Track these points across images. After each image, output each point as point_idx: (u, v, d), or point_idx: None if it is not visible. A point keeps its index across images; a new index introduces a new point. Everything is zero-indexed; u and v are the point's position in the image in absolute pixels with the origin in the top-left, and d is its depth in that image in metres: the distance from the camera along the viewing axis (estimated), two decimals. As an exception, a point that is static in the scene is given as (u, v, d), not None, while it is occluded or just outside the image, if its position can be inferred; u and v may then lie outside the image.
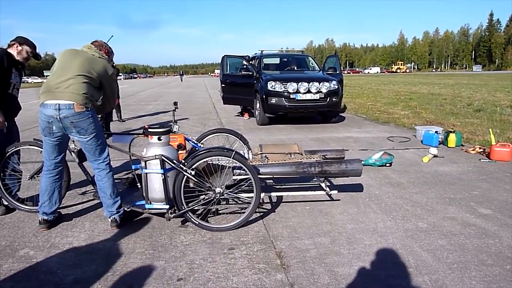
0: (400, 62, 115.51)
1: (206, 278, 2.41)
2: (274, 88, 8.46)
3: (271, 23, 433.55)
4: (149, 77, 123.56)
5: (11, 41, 3.46)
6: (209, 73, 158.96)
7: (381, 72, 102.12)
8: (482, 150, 5.78)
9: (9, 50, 3.41)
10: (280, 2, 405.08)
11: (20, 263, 2.62)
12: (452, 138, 6.20)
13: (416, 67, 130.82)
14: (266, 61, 10.55)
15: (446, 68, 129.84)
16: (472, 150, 5.85)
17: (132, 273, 2.47)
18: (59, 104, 2.83)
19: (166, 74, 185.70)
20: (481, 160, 5.35)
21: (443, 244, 2.83)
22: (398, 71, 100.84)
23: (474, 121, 8.78)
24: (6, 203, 3.55)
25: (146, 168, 3.04)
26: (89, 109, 2.94)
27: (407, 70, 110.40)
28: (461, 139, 6.40)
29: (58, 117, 2.84)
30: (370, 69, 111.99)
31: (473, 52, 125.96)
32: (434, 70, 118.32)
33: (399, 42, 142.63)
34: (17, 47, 3.42)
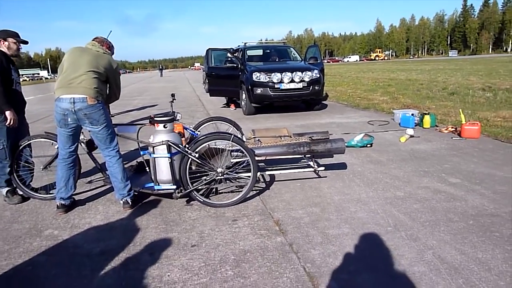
0: (378, 50, 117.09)
1: (216, 243, 2.79)
2: (259, 79, 8.82)
3: (251, 14, 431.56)
4: (129, 72, 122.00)
5: None
6: (189, 67, 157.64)
7: (360, 60, 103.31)
8: (454, 129, 6.29)
9: (0, 49, 3.61)
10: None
11: (48, 241, 2.94)
12: (427, 119, 6.71)
13: (394, 54, 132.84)
14: (250, 53, 10.87)
15: (423, 54, 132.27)
16: (445, 129, 6.36)
17: (151, 244, 2.83)
18: (73, 98, 3.14)
19: (139, 70, 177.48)
20: (453, 138, 5.86)
21: (417, 207, 3.28)
22: (377, 58, 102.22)
23: (448, 104, 9.34)
24: (21, 192, 3.83)
25: (154, 153, 3.38)
26: (100, 101, 3.26)
27: (386, 58, 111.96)
28: (436, 120, 6.92)
29: (73, 110, 3.15)
30: (350, 57, 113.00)
31: (449, 38, 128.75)
32: (411, 57, 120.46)
33: (376, 30, 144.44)
34: (3, 43, 3.61)
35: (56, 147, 3.60)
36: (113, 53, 3.71)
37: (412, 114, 6.90)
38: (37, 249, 2.82)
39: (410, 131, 6.11)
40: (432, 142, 5.66)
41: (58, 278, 2.43)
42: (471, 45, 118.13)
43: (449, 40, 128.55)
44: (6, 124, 3.50)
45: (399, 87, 14.35)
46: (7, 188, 3.79)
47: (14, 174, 3.75)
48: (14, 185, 3.80)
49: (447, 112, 8.02)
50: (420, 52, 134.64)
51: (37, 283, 2.39)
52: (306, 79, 8.90)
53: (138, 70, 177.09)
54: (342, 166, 4.59)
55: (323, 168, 4.01)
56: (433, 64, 39.56)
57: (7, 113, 3.48)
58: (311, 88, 8.93)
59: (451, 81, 16.12)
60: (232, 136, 3.41)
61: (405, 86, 14.65)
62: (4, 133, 3.55)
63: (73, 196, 3.62)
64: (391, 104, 9.81)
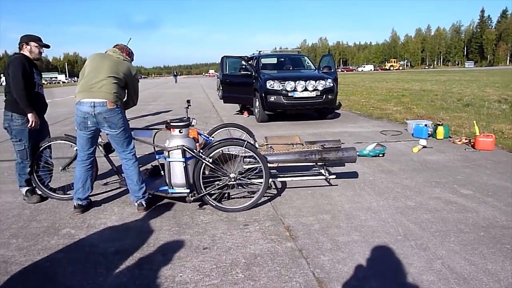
0: (393, 60, 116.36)
1: (228, 247, 2.85)
2: (273, 87, 8.90)
3: (264, 22, 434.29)
4: (144, 78, 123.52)
5: (18, 44, 3.79)
6: (203, 73, 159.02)
7: (374, 70, 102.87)
8: (467, 140, 6.25)
9: (23, 53, 3.75)
10: (273, 2, 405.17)
11: (65, 239, 3.04)
12: (440, 130, 6.69)
13: (409, 64, 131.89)
14: (264, 61, 10.98)
15: (439, 65, 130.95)
16: (459, 141, 6.33)
17: (164, 245, 2.91)
18: (94, 102, 3.26)
19: (153, 76, 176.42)
20: (466, 149, 5.83)
21: (428, 217, 3.29)
22: (392, 68, 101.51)
23: (462, 115, 9.28)
24: (40, 192, 3.96)
25: (169, 157, 3.47)
26: (118, 106, 3.38)
27: (400, 68, 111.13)
28: (449, 131, 6.89)
29: (93, 113, 3.27)
30: (364, 67, 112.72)
31: (465, 49, 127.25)
32: (427, 67, 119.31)
33: (391, 40, 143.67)
34: (25, 47, 3.76)
35: (75, 149, 3.73)
36: (132, 60, 3.82)
37: (425, 125, 6.88)
38: (55, 246, 2.92)
39: (423, 142, 6.10)
40: (445, 153, 5.64)
41: (75, 275, 2.51)
42: (488, 56, 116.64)
43: (465, 51, 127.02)
44: (28, 126, 3.64)
45: (413, 98, 14.28)
46: (27, 188, 3.92)
47: (34, 174, 3.88)
48: (34, 185, 3.93)
49: (461, 124, 7.97)
50: (435, 63, 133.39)
51: (55, 279, 2.48)
52: (320, 88, 8.95)
53: (153, 76, 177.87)
54: (354, 175, 4.62)
55: (334, 176, 4.04)
56: (449, 75, 39.19)
57: (29, 115, 3.62)
58: (324, 97, 8.98)
59: (467, 92, 15.97)
60: (246, 142, 3.48)
61: (419, 97, 14.57)
62: (26, 134, 3.69)
63: (90, 197, 3.73)
64: (405, 114, 9.78)
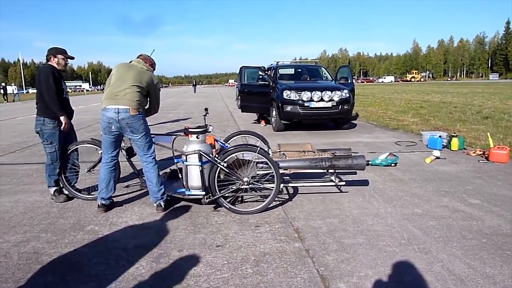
0: (414, 71, 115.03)
1: (239, 245, 3.04)
2: (290, 97, 9.11)
3: (285, 33, 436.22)
4: (165, 87, 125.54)
5: (46, 56, 4.11)
6: (223, 83, 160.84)
7: (395, 81, 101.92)
8: (482, 152, 6.28)
9: (50, 63, 4.07)
10: (293, 13, 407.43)
11: (90, 235, 3.29)
12: (455, 142, 6.73)
13: (431, 76, 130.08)
14: (282, 71, 11.22)
15: (462, 77, 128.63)
16: (473, 153, 6.37)
17: (180, 242, 3.12)
18: (118, 108, 3.53)
19: (170, 85, 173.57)
20: (480, 161, 5.87)
21: (433, 224, 3.41)
22: (413, 80, 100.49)
23: (480, 127, 9.25)
24: (66, 192, 4.25)
25: (186, 161, 3.71)
26: (140, 112, 3.65)
27: (422, 79, 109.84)
28: (464, 143, 6.92)
29: (117, 119, 3.54)
30: (384, 78, 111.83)
31: (490, 61, 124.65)
32: (449, 79, 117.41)
33: (413, 51, 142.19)
34: (53, 59, 4.07)
35: (100, 152, 4.00)
36: (154, 70, 4.10)
37: (440, 136, 6.93)
38: (80, 241, 3.18)
39: (436, 153, 6.16)
40: (458, 164, 5.70)
41: (98, 266, 2.75)
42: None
43: (490, 63, 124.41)
44: (62, 127, 3.95)
45: (432, 109, 14.23)
46: (55, 188, 4.21)
47: (62, 176, 4.17)
48: (61, 185, 4.22)
49: (478, 136, 7.97)
50: (458, 75, 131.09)
51: (81, 269, 2.71)
52: (336, 99, 9.11)
53: (170, 85, 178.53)
54: (364, 182, 4.75)
55: (344, 183, 4.19)
56: (471, 87, 38.60)
57: (62, 118, 3.94)
58: (340, 107, 9.13)
59: (487, 104, 15.79)
60: (259, 148, 3.69)
61: (438, 109, 14.51)
62: (57, 138, 4.00)
63: (113, 198, 3.98)
64: (421, 125, 9.81)
